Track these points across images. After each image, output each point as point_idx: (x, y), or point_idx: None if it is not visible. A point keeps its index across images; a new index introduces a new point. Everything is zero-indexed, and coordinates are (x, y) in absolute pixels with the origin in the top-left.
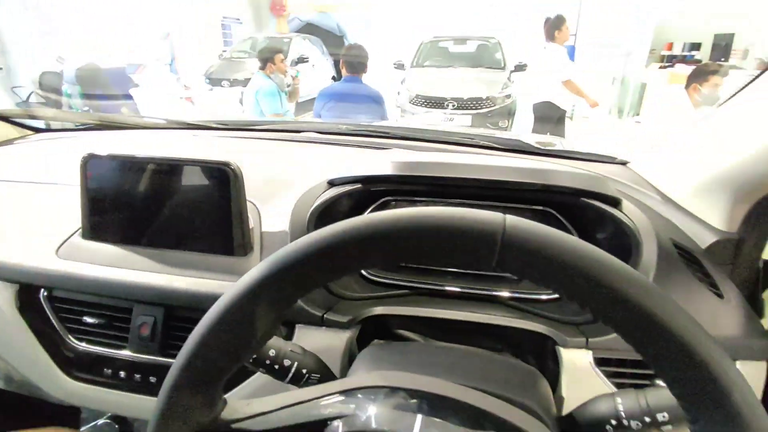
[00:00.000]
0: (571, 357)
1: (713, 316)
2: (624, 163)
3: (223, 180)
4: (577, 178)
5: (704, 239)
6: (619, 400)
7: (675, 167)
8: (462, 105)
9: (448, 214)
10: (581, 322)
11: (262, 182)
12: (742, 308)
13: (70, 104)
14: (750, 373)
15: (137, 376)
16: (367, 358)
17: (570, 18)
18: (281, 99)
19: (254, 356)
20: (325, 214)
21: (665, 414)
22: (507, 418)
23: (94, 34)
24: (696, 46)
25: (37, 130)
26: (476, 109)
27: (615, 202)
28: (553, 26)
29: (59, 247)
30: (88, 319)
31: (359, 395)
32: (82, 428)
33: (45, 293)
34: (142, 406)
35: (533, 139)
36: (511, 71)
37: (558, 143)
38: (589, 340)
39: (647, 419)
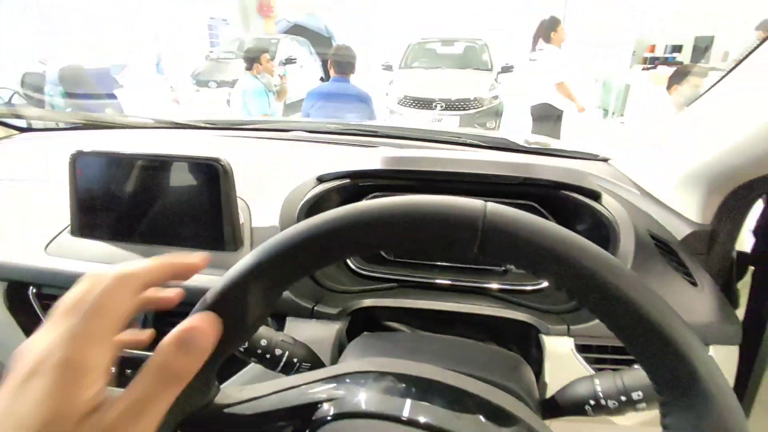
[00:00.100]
0: (553, 344)
1: (687, 302)
2: (605, 160)
3: (213, 176)
4: (558, 171)
5: (680, 231)
6: (597, 381)
7: (653, 163)
8: (450, 106)
9: (430, 201)
10: (563, 311)
11: (251, 179)
12: (715, 296)
13: (52, 104)
14: (722, 357)
15: (128, 371)
16: (357, 347)
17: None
18: (269, 99)
19: (246, 346)
20: (314, 209)
21: (639, 393)
22: (492, 399)
23: (80, 35)
24: (677, 48)
25: (22, 130)
26: (464, 109)
27: (594, 195)
28: (549, 28)
29: (48, 245)
30: None
31: (348, 380)
32: None
33: (34, 290)
34: None
35: (520, 138)
36: (498, 72)
37: (544, 142)
38: (571, 327)
39: (623, 398)
